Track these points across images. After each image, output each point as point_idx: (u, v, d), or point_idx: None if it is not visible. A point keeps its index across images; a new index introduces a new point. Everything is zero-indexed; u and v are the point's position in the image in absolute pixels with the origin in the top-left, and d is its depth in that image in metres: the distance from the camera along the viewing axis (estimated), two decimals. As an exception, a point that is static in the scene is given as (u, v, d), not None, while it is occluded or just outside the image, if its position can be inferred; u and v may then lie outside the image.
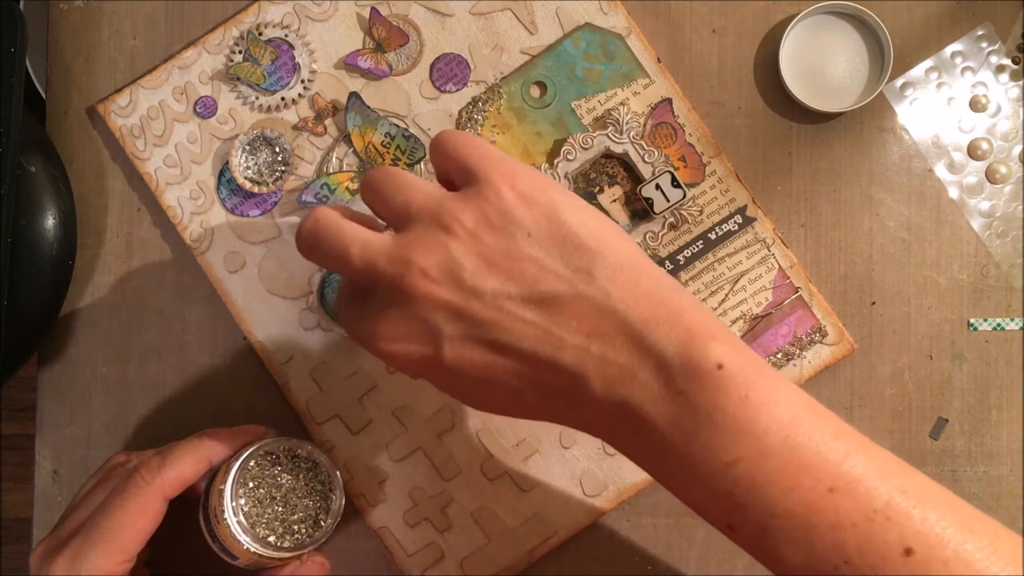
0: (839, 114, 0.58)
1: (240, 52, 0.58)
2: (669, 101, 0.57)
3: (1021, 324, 0.58)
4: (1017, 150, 0.58)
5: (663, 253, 0.57)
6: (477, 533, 0.58)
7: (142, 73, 0.58)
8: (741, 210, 0.57)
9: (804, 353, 0.57)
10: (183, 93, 0.58)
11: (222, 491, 0.50)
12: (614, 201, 0.57)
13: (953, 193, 0.58)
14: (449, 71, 0.58)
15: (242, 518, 0.50)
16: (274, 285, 0.58)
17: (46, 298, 0.56)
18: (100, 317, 0.59)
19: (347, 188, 0.57)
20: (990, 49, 0.58)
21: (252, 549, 0.50)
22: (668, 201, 0.56)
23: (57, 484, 0.59)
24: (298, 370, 0.58)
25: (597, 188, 0.58)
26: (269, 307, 0.58)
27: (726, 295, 0.57)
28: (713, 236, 0.57)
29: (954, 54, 0.59)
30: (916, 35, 0.58)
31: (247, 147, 0.57)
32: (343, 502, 0.52)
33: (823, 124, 0.58)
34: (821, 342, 0.57)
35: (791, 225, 0.58)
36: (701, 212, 0.57)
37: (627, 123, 0.57)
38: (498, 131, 0.58)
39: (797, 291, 0.57)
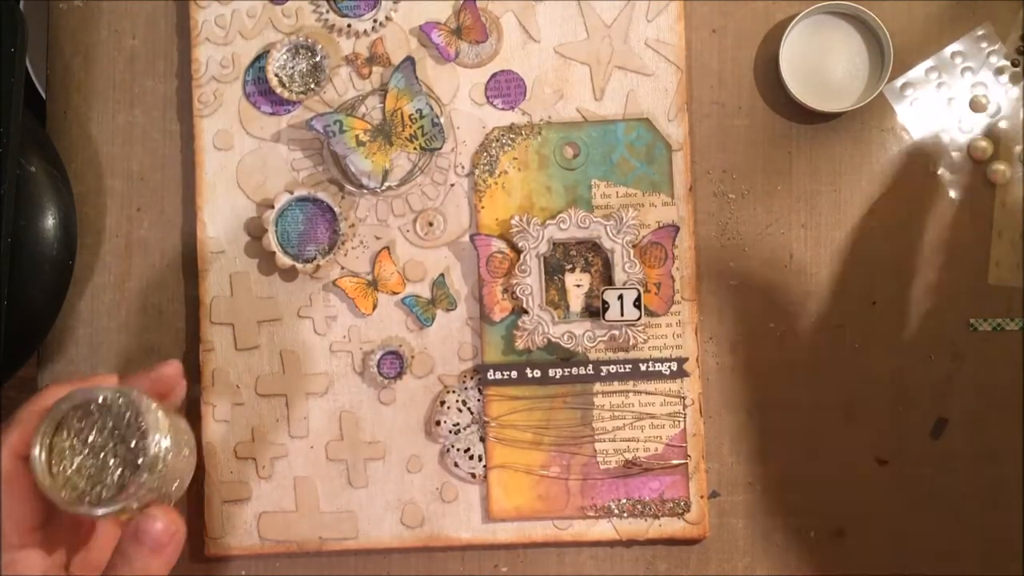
0: (839, 114, 0.58)
1: None
2: (676, 229, 0.57)
3: (1021, 324, 0.58)
4: (1017, 150, 0.58)
5: (592, 356, 0.57)
6: (289, 497, 0.57)
7: None
8: (681, 361, 0.57)
9: (660, 518, 0.56)
10: None
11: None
12: (578, 286, 0.57)
13: (953, 193, 0.58)
14: (505, 88, 0.58)
15: (39, 474, 0.44)
16: (246, 182, 0.58)
17: (46, 298, 0.56)
18: (100, 317, 0.59)
19: (357, 136, 0.57)
20: (990, 49, 0.58)
21: (65, 506, 0.44)
22: (622, 315, 0.55)
23: (57, 484, 0.59)
24: (222, 265, 0.58)
25: (570, 266, 0.57)
26: (230, 199, 0.58)
27: (624, 426, 0.57)
28: (643, 368, 0.57)
29: (954, 54, 0.59)
30: (916, 35, 0.58)
31: (291, 49, 0.58)
32: (163, 448, 0.45)
33: (823, 124, 0.58)
34: (681, 516, 0.56)
35: (791, 225, 0.58)
36: (646, 342, 0.56)
37: (628, 226, 0.56)
38: (516, 166, 0.57)
39: (686, 460, 0.57)
